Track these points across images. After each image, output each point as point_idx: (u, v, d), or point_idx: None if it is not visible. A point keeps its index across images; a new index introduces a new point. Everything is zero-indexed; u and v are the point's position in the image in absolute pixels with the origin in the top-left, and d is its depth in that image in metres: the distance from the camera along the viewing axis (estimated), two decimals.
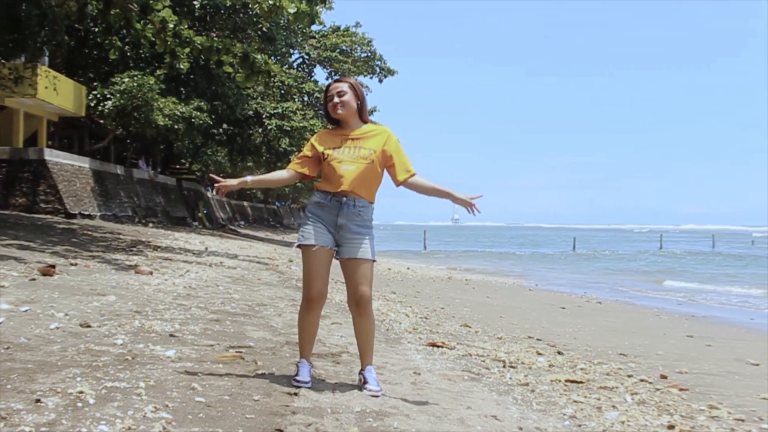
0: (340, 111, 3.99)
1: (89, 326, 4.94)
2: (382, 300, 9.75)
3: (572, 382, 5.06)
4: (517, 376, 5.08)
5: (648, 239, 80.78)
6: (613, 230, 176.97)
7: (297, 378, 3.92)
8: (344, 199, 3.93)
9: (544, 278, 21.73)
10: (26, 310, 5.30)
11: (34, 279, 7.01)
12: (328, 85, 4.08)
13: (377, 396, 3.86)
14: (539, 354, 6.21)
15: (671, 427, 3.92)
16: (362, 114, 4.08)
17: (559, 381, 5.03)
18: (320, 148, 4.03)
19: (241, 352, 4.65)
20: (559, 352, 6.46)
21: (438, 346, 6.06)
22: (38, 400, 3.04)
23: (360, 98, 4.04)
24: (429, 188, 4.08)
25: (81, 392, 3.22)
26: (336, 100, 3.98)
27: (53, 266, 7.72)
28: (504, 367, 5.42)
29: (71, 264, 8.81)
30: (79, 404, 3.06)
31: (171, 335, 4.97)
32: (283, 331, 5.80)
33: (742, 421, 4.23)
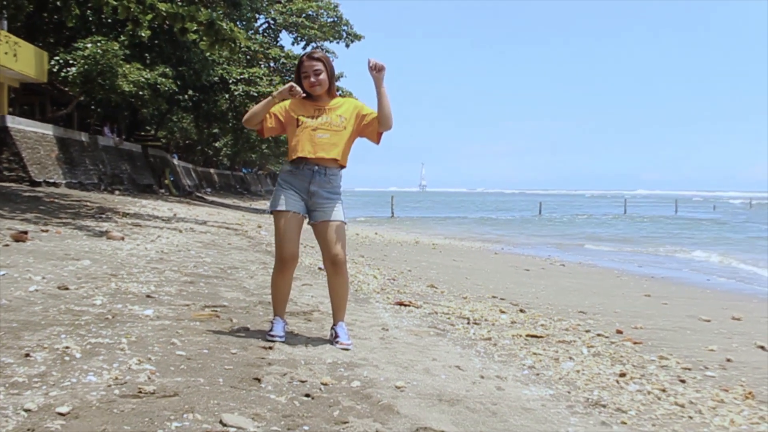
0: (318, 89, 4.16)
1: (67, 288, 5.09)
2: (351, 263, 9.96)
3: (532, 336, 5.34)
4: (481, 331, 5.34)
5: (612, 204, 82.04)
6: (573, 195, 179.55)
7: (271, 333, 4.14)
8: (316, 167, 4.12)
9: (510, 242, 22.15)
10: (3, 274, 5.42)
11: (7, 245, 7.10)
12: (302, 61, 4.19)
13: (348, 349, 4.09)
14: (502, 312, 6.49)
15: (623, 374, 4.21)
16: (332, 89, 4.26)
17: (520, 336, 5.31)
18: (294, 114, 4.18)
19: (216, 311, 4.85)
20: (521, 310, 6.75)
21: (405, 305, 6.31)
22: (27, 355, 3.22)
23: (331, 75, 4.22)
24: (381, 107, 4.22)
25: (67, 347, 3.39)
26: (313, 79, 4.13)
27: (26, 232, 7.80)
28: (468, 323, 5.68)
29: (42, 230, 8.87)
30: (67, 358, 3.24)
31: (148, 296, 5.15)
32: (256, 292, 6.00)
33: (689, 369, 4.55)
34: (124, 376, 3.04)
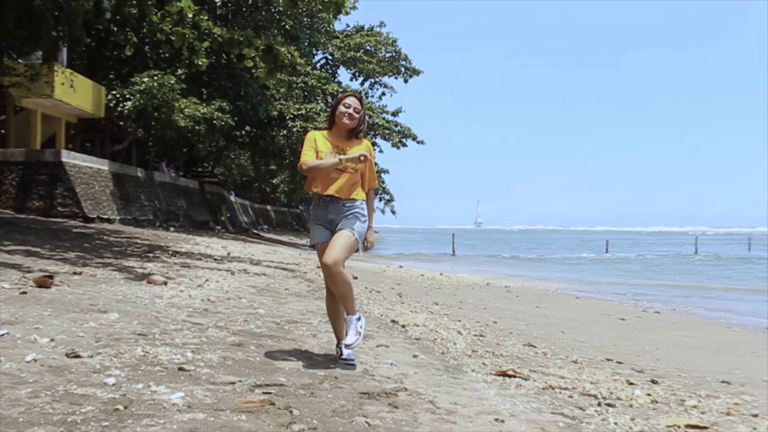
0: (347, 122, 4.54)
1: (78, 356, 3.88)
2: (427, 313, 8.61)
3: (694, 427, 3.90)
4: (621, 419, 3.93)
5: (679, 242, 78.84)
6: (634, 232, 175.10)
7: (343, 358, 4.48)
8: (329, 198, 4.49)
9: (585, 282, 20.53)
10: (3, 335, 4.25)
11: (25, 292, 5.95)
12: (345, 96, 4.60)
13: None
14: (630, 384, 5.05)
15: None
16: (358, 131, 4.62)
17: (678, 427, 3.87)
18: (319, 147, 4.51)
19: (270, 393, 3.55)
20: (653, 381, 5.28)
21: (510, 376, 4.92)
22: None
23: (362, 119, 4.63)
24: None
25: None
26: (350, 114, 4.53)
27: (51, 276, 6.68)
28: (599, 405, 4.27)
29: (75, 273, 7.78)
30: None
31: (180, 368, 3.88)
32: (320, 359, 4.67)
33: None
34: None
